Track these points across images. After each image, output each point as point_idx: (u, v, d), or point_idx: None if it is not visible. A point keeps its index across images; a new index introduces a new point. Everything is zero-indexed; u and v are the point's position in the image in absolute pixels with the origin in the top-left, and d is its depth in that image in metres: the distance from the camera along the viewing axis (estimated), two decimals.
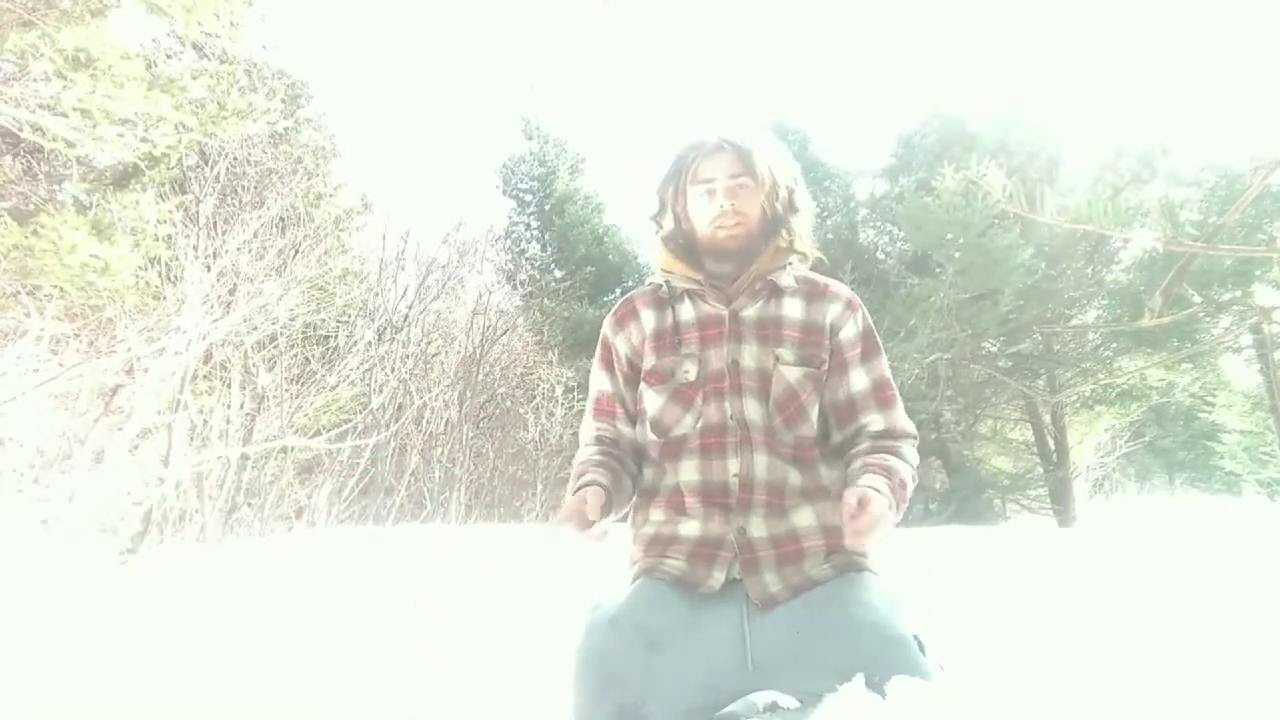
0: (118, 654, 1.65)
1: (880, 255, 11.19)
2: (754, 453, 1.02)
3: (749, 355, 1.05)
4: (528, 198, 13.10)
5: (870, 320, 1.12)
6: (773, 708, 0.98)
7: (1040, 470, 10.08)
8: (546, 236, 12.79)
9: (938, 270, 8.42)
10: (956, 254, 8.14)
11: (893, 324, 8.37)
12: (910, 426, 1.08)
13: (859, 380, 1.08)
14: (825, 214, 11.73)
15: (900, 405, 1.09)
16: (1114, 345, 9.36)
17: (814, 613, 0.93)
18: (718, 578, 0.98)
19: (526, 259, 12.59)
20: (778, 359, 1.05)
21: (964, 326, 8.13)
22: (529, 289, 11.43)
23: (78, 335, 4.67)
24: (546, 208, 12.82)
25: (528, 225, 13.07)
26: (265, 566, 2.89)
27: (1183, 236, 2.11)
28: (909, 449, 1.05)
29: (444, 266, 8.87)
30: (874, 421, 1.07)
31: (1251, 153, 6.57)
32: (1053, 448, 9.80)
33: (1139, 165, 7.79)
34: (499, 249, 12.70)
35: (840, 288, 1.13)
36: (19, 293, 4.18)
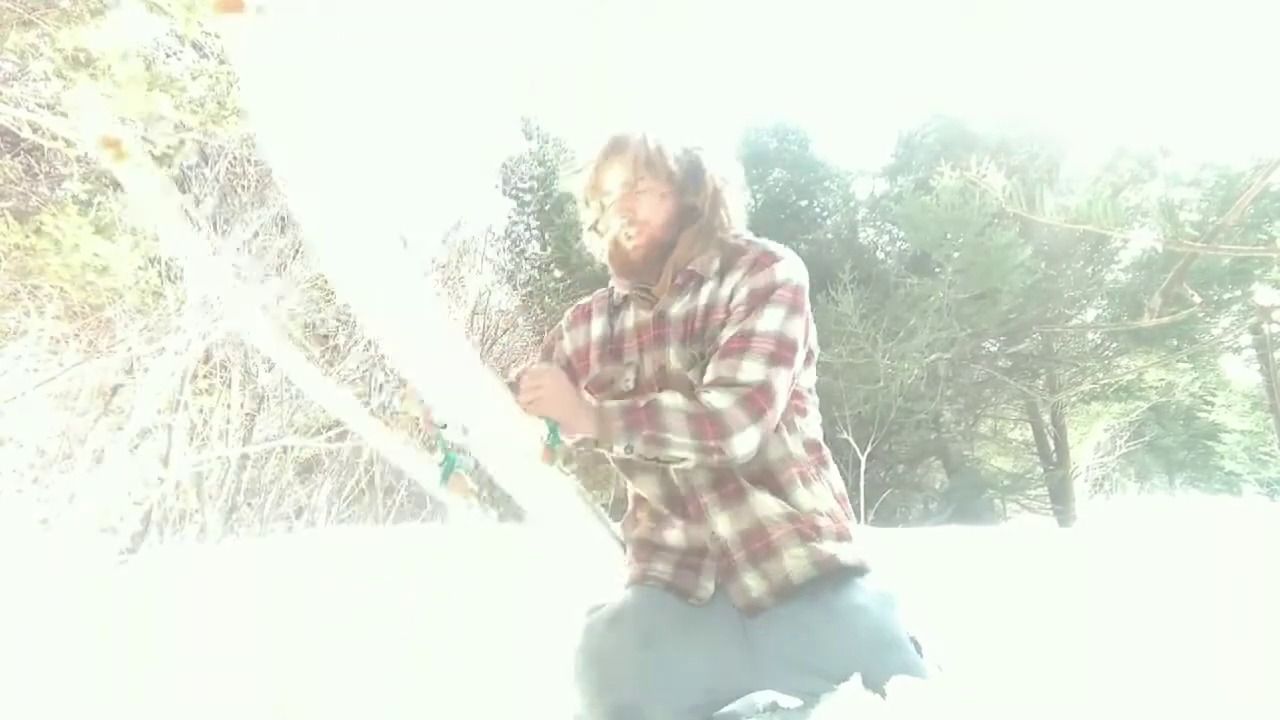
0: (118, 654, 1.65)
1: (880, 255, 11.20)
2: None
3: (675, 357, 1.03)
4: (527, 197, 13.12)
5: (782, 274, 1.00)
6: (773, 708, 0.98)
7: (1040, 470, 10.10)
8: (546, 236, 12.80)
9: (937, 270, 8.43)
10: (956, 254, 8.16)
11: (892, 324, 8.38)
12: (739, 376, 0.95)
13: (726, 336, 0.98)
14: (825, 214, 11.75)
15: (746, 356, 0.95)
16: (1114, 345, 9.38)
17: (810, 618, 0.92)
18: (706, 587, 0.97)
19: (526, 259, 12.60)
20: (701, 355, 1.01)
21: (964, 326, 8.14)
22: (529, 289, 11.44)
23: (78, 335, 4.67)
24: (546, 207, 12.83)
25: (527, 225, 13.09)
26: (265, 566, 2.89)
27: (1182, 236, 2.11)
28: (712, 395, 0.94)
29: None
30: (708, 373, 0.97)
31: (1252, 152, 6.57)
32: (1053, 447, 9.81)
33: (1139, 165, 7.79)
34: (499, 249, 12.71)
35: (757, 251, 1.03)
36: (18, 292, 4.18)
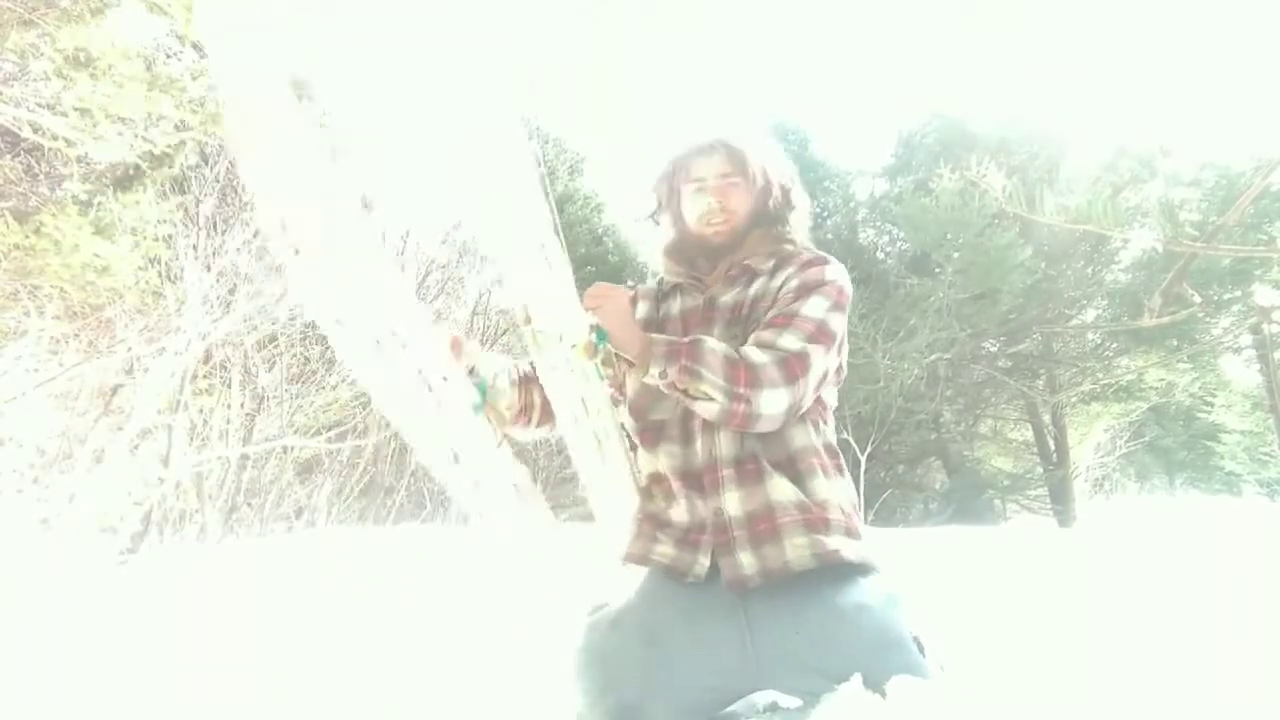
0: (118, 654, 1.65)
1: (880, 255, 11.19)
2: (717, 432, 1.01)
3: (718, 337, 1.05)
4: None
5: (831, 274, 1.06)
6: (773, 708, 0.98)
7: (1040, 470, 10.09)
8: None
9: (937, 270, 8.43)
10: (956, 254, 8.16)
11: (892, 324, 8.37)
12: (779, 342, 0.98)
13: (769, 316, 1.03)
14: (825, 214, 11.74)
15: (786, 330, 0.99)
16: (1114, 345, 9.38)
17: (812, 615, 0.92)
18: (702, 563, 0.97)
19: None
20: (744, 335, 1.04)
21: (964, 326, 8.14)
22: None
23: (78, 335, 4.67)
24: None
25: None
26: (265, 566, 2.89)
27: (1182, 236, 2.12)
28: (751, 350, 0.98)
29: (444, 266, 8.87)
30: (748, 342, 1.01)
31: (1252, 152, 6.57)
32: (1053, 447, 9.81)
33: (1139, 165, 7.80)
34: None
35: (810, 254, 1.10)
36: (18, 292, 4.18)
